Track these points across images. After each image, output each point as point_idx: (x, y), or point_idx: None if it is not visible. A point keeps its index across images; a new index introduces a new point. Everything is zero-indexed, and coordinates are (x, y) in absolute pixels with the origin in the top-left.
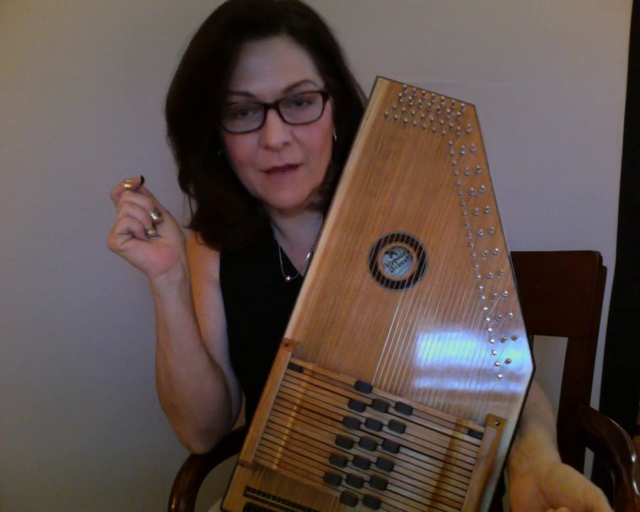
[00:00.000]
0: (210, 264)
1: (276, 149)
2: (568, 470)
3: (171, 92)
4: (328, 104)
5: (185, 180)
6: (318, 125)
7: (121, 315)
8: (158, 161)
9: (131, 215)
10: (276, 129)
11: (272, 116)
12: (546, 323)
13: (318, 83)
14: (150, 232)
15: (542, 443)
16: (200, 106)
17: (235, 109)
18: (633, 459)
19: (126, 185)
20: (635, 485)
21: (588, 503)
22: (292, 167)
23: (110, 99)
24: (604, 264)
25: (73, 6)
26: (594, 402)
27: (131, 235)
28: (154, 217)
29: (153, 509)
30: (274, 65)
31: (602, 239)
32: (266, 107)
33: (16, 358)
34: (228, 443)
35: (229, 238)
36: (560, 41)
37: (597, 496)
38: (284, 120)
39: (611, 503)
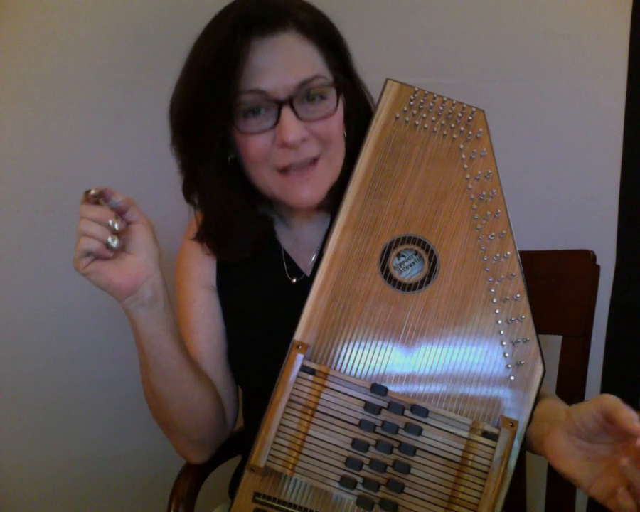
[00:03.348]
0: (205, 268)
1: (294, 147)
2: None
3: (177, 97)
4: (341, 98)
5: (189, 190)
6: (335, 117)
7: (122, 315)
8: (159, 161)
9: (87, 232)
10: (292, 126)
11: (287, 112)
12: (540, 322)
13: (329, 78)
14: (114, 244)
15: (553, 404)
16: (211, 110)
17: (247, 108)
18: None
19: (83, 198)
20: None
21: (605, 407)
22: (311, 161)
23: (110, 100)
24: (604, 263)
25: (74, 6)
26: None
27: (93, 255)
28: (116, 227)
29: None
30: (285, 60)
31: (602, 239)
32: (279, 104)
33: (16, 358)
34: (226, 447)
35: (238, 246)
36: (560, 41)
37: (612, 401)
38: (298, 116)
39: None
